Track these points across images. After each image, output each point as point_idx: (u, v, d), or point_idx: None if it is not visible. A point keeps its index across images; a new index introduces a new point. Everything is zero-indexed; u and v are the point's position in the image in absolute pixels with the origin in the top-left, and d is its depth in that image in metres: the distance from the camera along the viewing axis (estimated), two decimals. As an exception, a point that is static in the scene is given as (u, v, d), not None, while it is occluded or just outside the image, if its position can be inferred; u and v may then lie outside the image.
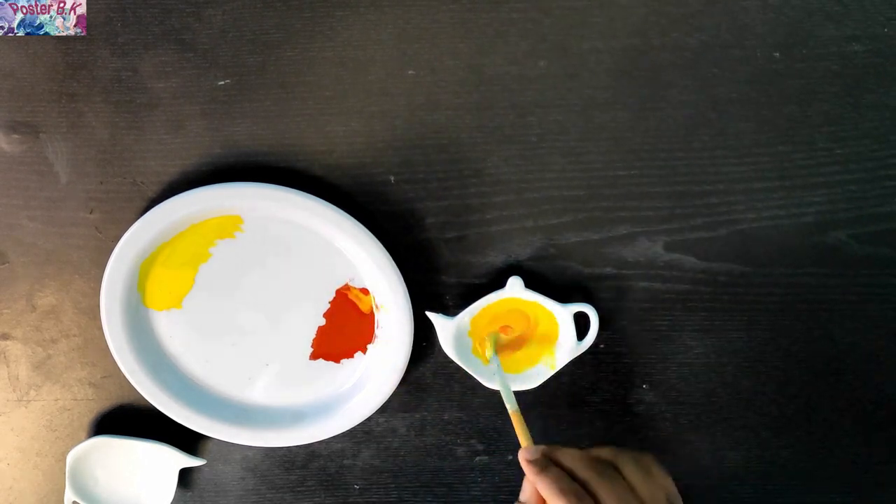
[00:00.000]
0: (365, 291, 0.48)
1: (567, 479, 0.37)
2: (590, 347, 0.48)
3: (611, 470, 0.37)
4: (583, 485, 0.37)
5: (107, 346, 0.47)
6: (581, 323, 0.48)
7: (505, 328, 0.48)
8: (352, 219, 0.45)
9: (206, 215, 0.45)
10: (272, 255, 0.47)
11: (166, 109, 0.45)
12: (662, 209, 0.47)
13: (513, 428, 0.52)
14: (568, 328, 0.47)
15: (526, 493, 0.40)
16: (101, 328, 0.47)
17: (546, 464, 0.38)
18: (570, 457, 0.38)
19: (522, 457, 0.40)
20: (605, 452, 0.38)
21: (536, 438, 0.52)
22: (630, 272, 0.48)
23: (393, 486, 0.54)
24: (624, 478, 0.37)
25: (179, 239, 0.46)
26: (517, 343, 0.49)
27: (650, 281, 0.48)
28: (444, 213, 0.47)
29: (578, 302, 0.47)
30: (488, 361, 0.48)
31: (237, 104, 0.45)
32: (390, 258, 0.45)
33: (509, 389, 0.46)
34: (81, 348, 0.50)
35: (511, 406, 0.44)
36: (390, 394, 0.49)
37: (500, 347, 0.49)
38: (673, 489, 0.38)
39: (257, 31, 0.44)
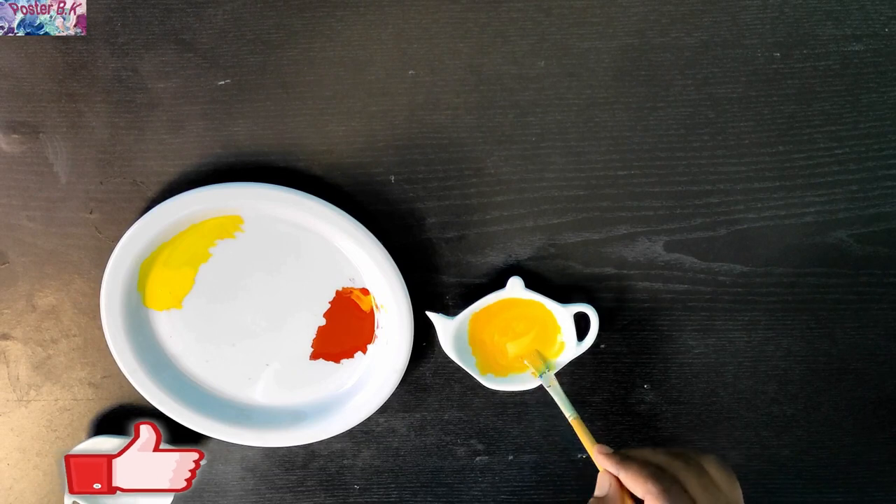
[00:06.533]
0: (365, 291, 0.48)
1: (653, 465, 0.37)
2: (590, 347, 0.48)
3: (696, 463, 0.37)
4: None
5: (107, 346, 0.47)
6: (581, 323, 0.48)
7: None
8: (352, 219, 0.45)
9: (206, 215, 0.45)
10: (272, 255, 0.47)
11: (166, 109, 0.45)
12: (662, 209, 0.47)
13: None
14: (568, 328, 0.47)
15: (603, 488, 0.39)
16: (101, 328, 0.47)
17: (625, 456, 0.38)
18: (648, 452, 0.38)
19: (599, 452, 0.40)
20: (688, 450, 0.38)
21: (538, 438, 0.52)
22: (630, 272, 0.48)
23: (393, 486, 0.54)
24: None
25: (179, 239, 0.46)
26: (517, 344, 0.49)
27: (650, 281, 0.48)
28: (444, 213, 0.47)
29: (578, 302, 0.47)
30: (538, 376, 0.48)
31: (237, 104, 0.45)
32: (390, 258, 0.45)
33: (567, 399, 0.46)
34: (81, 348, 0.50)
35: (570, 414, 0.44)
36: (390, 394, 0.49)
37: (499, 351, 0.49)
38: (742, 500, 0.38)
39: (257, 31, 0.44)
